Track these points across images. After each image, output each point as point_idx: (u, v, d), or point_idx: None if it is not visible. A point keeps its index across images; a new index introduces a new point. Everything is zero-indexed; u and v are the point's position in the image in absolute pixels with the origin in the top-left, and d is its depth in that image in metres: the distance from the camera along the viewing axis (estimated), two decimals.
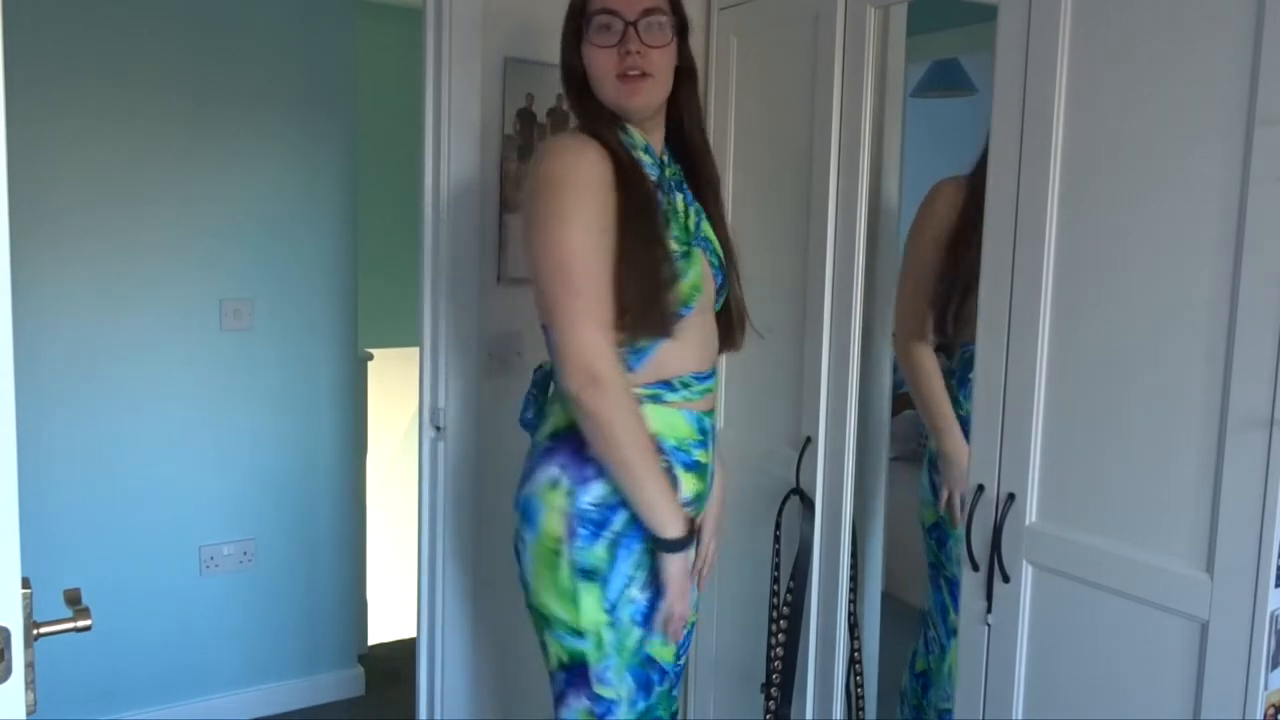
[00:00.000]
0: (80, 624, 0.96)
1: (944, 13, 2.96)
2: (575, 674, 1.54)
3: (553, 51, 1.68)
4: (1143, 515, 1.45)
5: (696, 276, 1.52)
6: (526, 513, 1.55)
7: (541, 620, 1.56)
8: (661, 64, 1.54)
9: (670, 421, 1.54)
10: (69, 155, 2.54)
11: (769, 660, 2.09)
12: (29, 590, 0.88)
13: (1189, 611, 1.39)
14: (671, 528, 1.48)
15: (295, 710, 2.95)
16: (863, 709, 2.18)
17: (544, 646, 1.59)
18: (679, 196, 1.58)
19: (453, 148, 2.12)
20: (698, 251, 1.54)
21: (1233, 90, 1.31)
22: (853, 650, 2.14)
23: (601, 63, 1.51)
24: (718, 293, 1.62)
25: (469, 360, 2.19)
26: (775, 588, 2.12)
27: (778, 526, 2.11)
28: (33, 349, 2.52)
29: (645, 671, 1.54)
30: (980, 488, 1.66)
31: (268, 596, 2.89)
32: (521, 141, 2.21)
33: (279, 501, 2.88)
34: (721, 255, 1.63)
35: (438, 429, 2.20)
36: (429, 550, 2.24)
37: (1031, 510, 1.60)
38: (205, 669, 2.82)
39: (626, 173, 1.48)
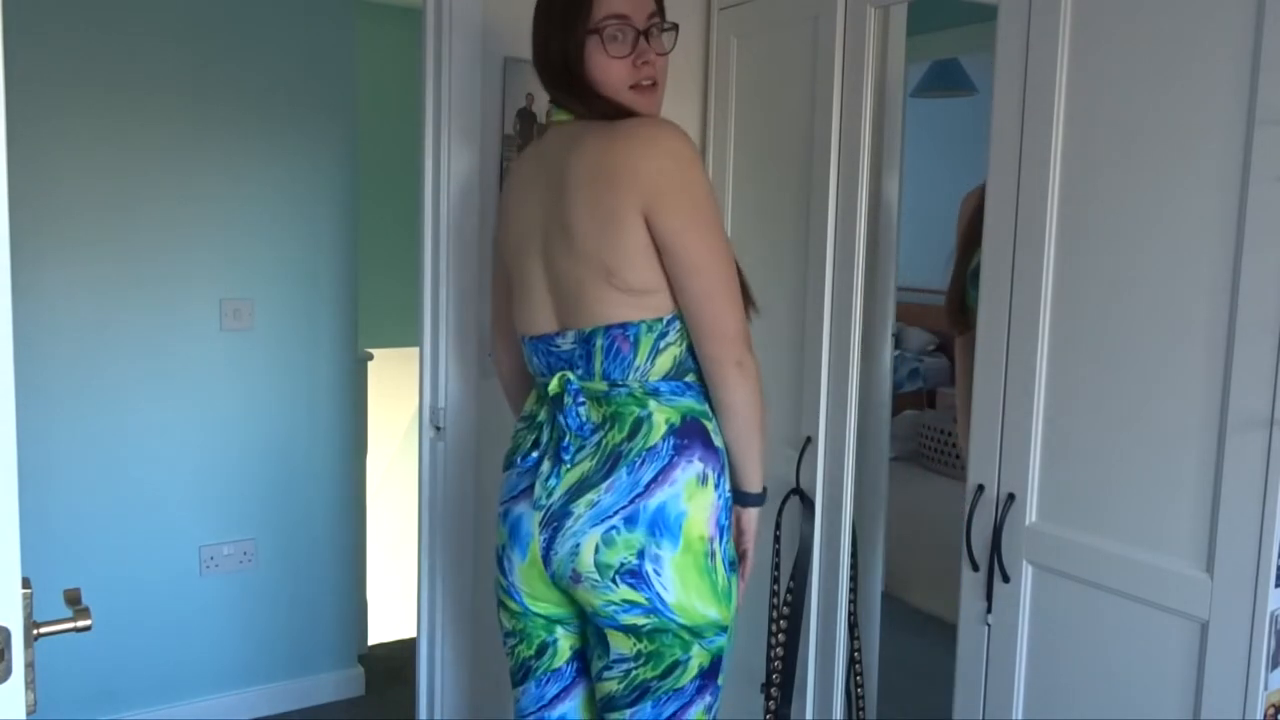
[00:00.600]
0: (80, 624, 0.96)
1: (944, 13, 2.96)
2: (709, 673, 1.48)
3: None
4: (1143, 515, 1.45)
5: None
6: (662, 525, 1.41)
7: (688, 636, 1.44)
8: (665, 69, 1.53)
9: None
10: (69, 156, 2.54)
11: (769, 660, 2.09)
12: (29, 590, 0.88)
13: (1189, 611, 1.39)
14: (761, 483, 1.55)
15: (295, 710, 2.95)
16: (863, 709, 2.18)
17: (670, 668, 1.44)
18: None
19: (453, 148, 2.12)
20: None
21: (1233, 90, 1.31)
22: (853, 650, 2.14)
23: (617, 74, 1.47)
24: None
25: (469, 360, 2.19)
26: (775, 588, 2.12)
27: (778, 526, 2.11)
28: (33, 349, 2.52)
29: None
30: (980, 488, 1.66)
31: (268, 596, 2.89)
32: (521, 141, 2.21)
33: (279, 501, 2.88)
34: None
35: (438, 429, 2.20)
36: (429, 550, 2.24)
37: (1031, 510, 1.60)
38: (205, 669, 2.82)
39: None
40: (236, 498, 2.82)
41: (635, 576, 1.41)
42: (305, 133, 2.82)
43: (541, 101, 2.22)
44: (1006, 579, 1.62)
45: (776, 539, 2.11)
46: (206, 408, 2.75)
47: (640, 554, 1.41)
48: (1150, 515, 1.44)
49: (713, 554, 1.44)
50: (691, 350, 1.47)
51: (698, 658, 1.45)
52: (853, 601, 2.08)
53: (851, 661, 2.13)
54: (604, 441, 1.45)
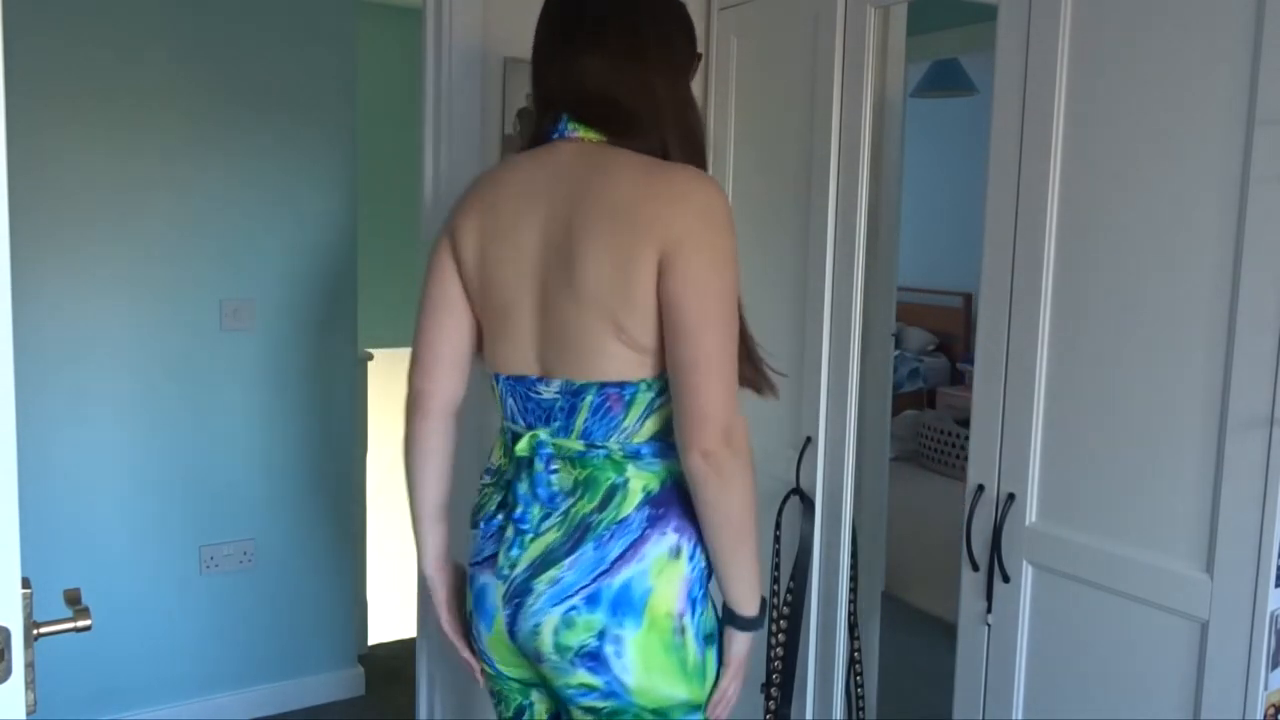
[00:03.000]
0: (80, 624, 0.96)
1: (944, 13, 2.96)
2: None
3: None
4: (1143, 515, 1.45)
5: None
6: (625, 605, 1.30)
7: (650, 717, 1.33)
8: None
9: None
10: (69, 156, 2.54)
11: (769, 660, 2.09)
12: (29, 590, 0.88)
13: (1189, 611, 1.39)
14: (756, 604, 1.40)
15: (295, 710, 2.95)
16: (863, 709, 2.18)
17: None
18: None
19: (453, 148, 2.12)
20: None
21: (1233, 90, 1.31)
22: (853, 650, 2.14)
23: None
24: None
25: None
26: (775, 588, 2.12)
27: (778, 527, 2.11)
28: (33, 349, 2.52)
29: None
30: (980, 488, 1.66)
31: (268, 596, 2.89)
32: (522, 142, 2.21)
33: (279, 501, 2.88)
34: None
35: None
36: None
37: (1031, 510, 1.60)
38: (205, 669, 2.82)
39: None
40: (236, 498, 2.82)
41: (594, 659, 1.31)
42: (305, 132, 2.82)
43: None
44: (1006, 579, 1.62)
45: (776, 539, 2.11)
46: (206, 408, 2.75)
47: (600, 635, 1.30)
48: (1150, 515, 1.44)
49: (681, 630, 1.32)
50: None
51: None
52: (853, 601, 2.08)
53: (851, 661, 2.14)
54: (572, 511, 1.33)
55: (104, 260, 2.60)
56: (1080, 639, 1.54)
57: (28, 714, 0.88)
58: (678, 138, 1.36)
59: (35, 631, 0.91)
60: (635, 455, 1.33)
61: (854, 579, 2.08)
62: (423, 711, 2.33)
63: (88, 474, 2.62)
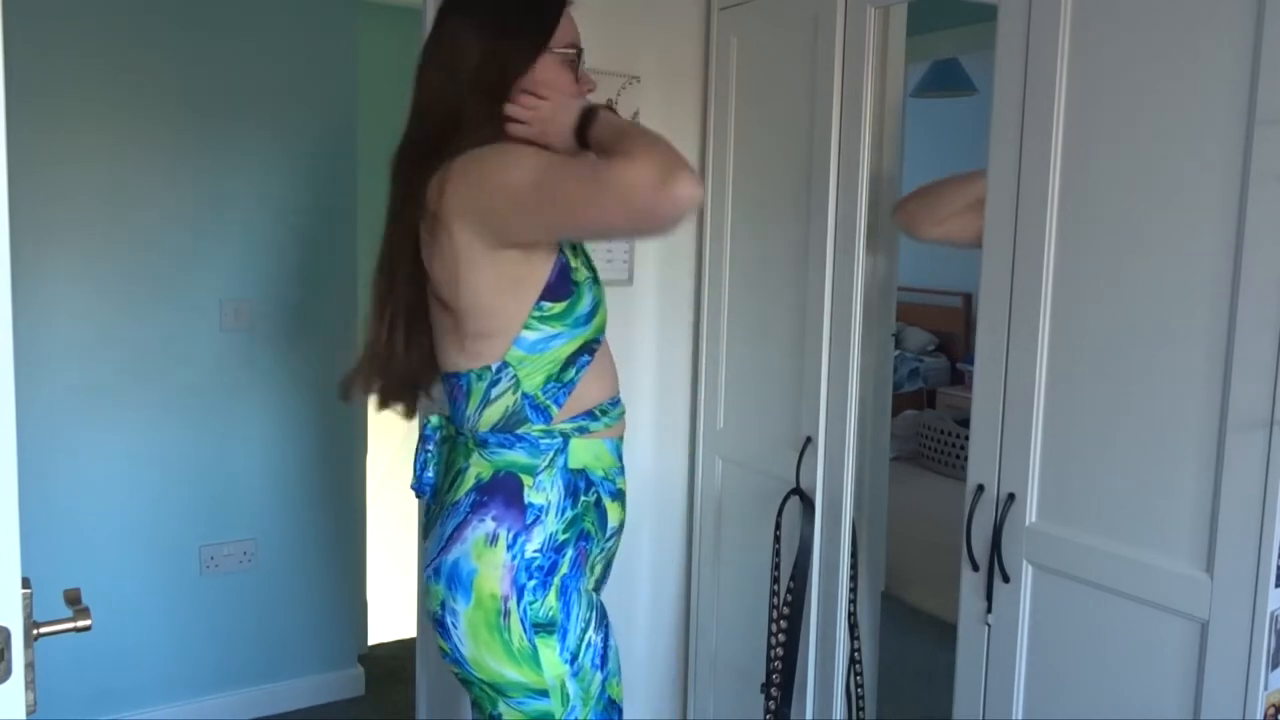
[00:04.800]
0: (80, 624, 0.96)
1: (944, 13, 2.96)
2: None
3: None
4: (1143, 515, 1.45)
5: (605, 300, 1.52)
6: (456, 579, 1.41)
7: (491, 692, 1.43)
8: None
9: (596, 453, 1.49)
10: (69, 156, 2.54)
11: (769, 660, 2.09)
12: (29, 590, 0.88)
13: (1189, 611, 1.39)
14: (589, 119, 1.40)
15: (295, 710, 2.95)
16: (863, 709, 2.18)
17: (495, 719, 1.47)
18: None
19: None
20: (597, 277, 1.53)
21: (1233, 90, 1.31)
22: (853, 650, 2.14)
23: (570, 90, 1.46)
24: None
25: None
26: (775, 588, 2.12)
27: (778, 527, 2.11)
28: (33, 349, 2.52)
29: (608, 715, 1.48)
30: (980, 488, 1.66)
31: (268, 596, 2.89)
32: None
33: (279, 501, 2.88)
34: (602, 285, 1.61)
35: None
36: None
37: (1031, 510, 1.60)
38: (205, 669, 2.82)
39: None
40: (236, 498, 2.82)
41: (441, 627, 1.44)
42: (305, 132, 2.82)
43: None
44: (1006, 579, 1.62)
45: (776, 539, 2.11)
46: (206, 408, 2.75)
47: (442, 605, 1.43)
48: (1150, 515, 1.44)
49: (506, 613, 1.39)
50: (530, 401, 1.43)
51: (510, 717, 1.44)
52: (853, 601, 2.08)
53: (851, 661, 2.13)
54: (440, 488, 1.53)
55: (104, 260, 2.60)
56: (1080, 639, 1.54)
57: (28, 714, 0.88)
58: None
59: (35, 631, 0.91)
60: (482, 444, 1.45)
61: (854, 579, 2.08)
62: (423, 711, 2.33)
63: (88, 474, 2.62)
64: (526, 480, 1.43)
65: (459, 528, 1.43)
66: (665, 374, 2.44)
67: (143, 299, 2.65)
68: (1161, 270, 1.41)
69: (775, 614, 2.10)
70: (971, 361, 1.86)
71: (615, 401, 1.55)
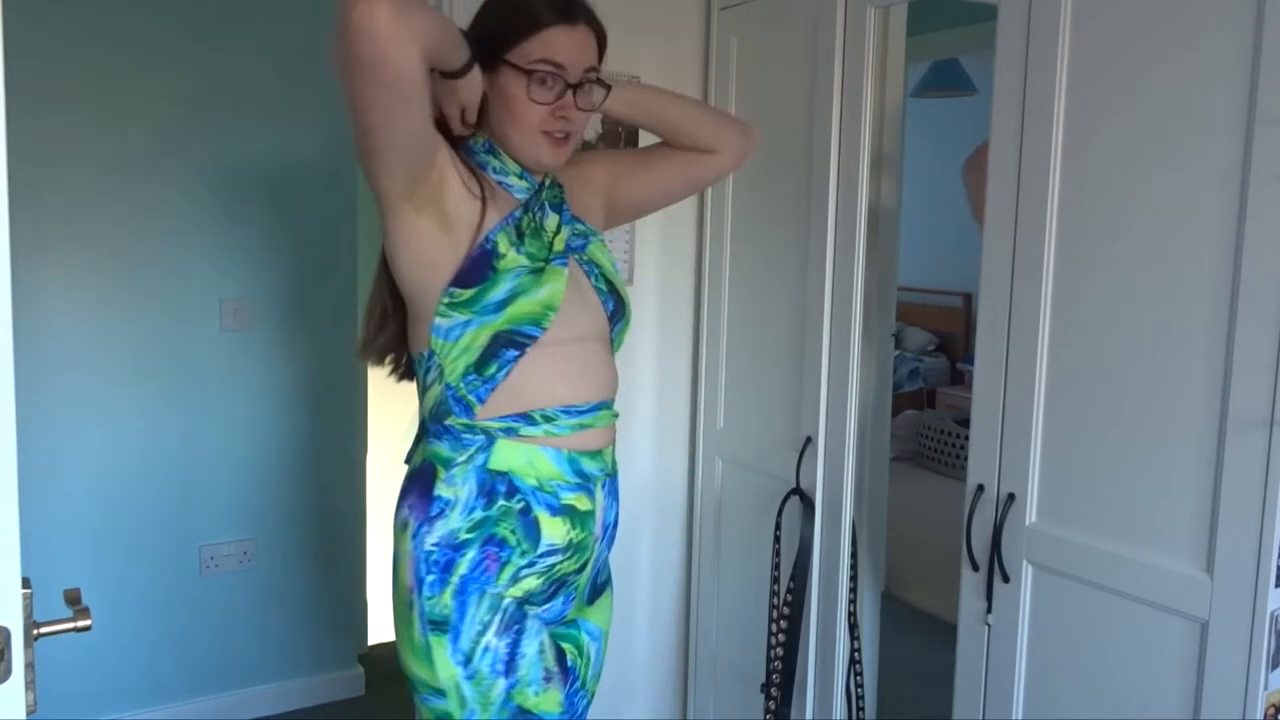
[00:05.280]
0: (80, 624, 0.96)
1: (944, 13, 2.96)
2: None
3: None
4: (1143, 515, 1.45)
5: (550, 295, 1.37)
6: (393, 562, 1.43)
7: (409, 682, 1.42)
8: (583, 123, 1.44)
9: (530, 459, 1.39)
10: (68, 156, 2.54)
11: (769, 660, 2.10)
12: (29, 590, 0.88)
13: (1189, 611, 1.39)
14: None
15: (295, 710, 2.95)
16: (863, 709, 2.18)
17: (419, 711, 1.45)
18: (551, 216, 1.46)
19: None
20: (556, 270, 1.39)
21: (1233, 90, 1.31)
22: (853, 650, 2.14)
23: (533, 117, 1.37)
24: (612, 322, 1.51)
25: None
26: (775, 588, 2.12)
27: (778, 527, 2.11)
28: (34, 350, 2.52)
29: None
30: (980, 488, 1.66)
31: (268, 596, 2.89)
32: None
33: (279, 501, 2.88)
34: (615, 284, 1.52)
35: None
36: None
37: (1031, 510, 1.60)
38: (205, 669, 2.82)
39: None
40: (236, 498, 2.82)
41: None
42: (305, 132, 2.82)
43: None
44: (1006, 579, 1.62)
45: (776, 539, 2.11)
46: (207, 408, 2.75)
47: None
48: (1150, 515, 1.44)
49: (410, 604, 1.38)
50: (452, 393, 1.39)
51: (423, 712, 1.43)
52: (852, 601, 2.08)
53: (851, 661, 2.14)
54: None
55: (103, 260, 2.60)
56: (1080, 639, 1.54)
57: (28, 714, 0.88)
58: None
59: (35, 631, 0.91)
60: (425, 432, 1.46)
61: (854, 579, 2.08)
62: None
63: (88, 474, 2.62)
64: (440, 473, 1.39)
65: (396, 511, 1.44)
66: (665, 374, 2.44)
67: (143, 299, 2.65)
68: (1161, 270, 1.41)
69: (775, 614, 2.10)
70: (971, 361, 1.86)
71: (575, 410, 1.42)
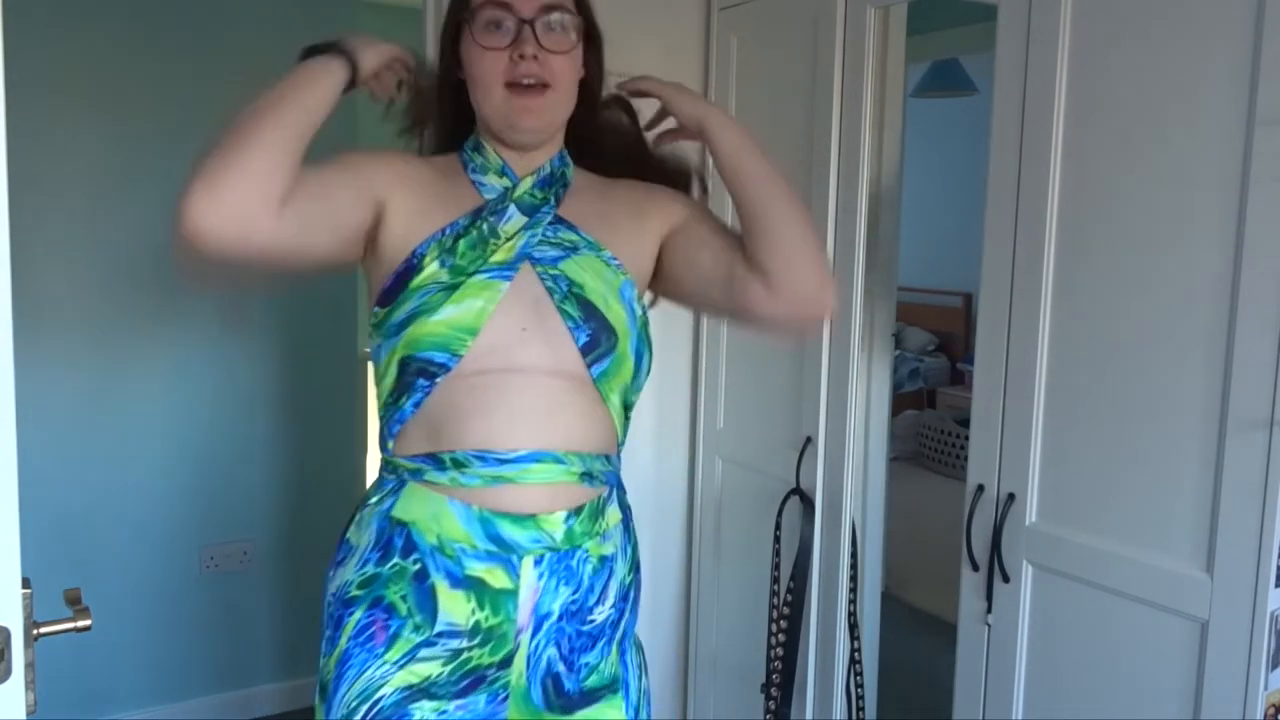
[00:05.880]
0: (80, 624, 0.96)
1: (944, 13, 2.96)
2: None
3: None
4: (1143, 515, 1.45)
5: (460, 315, 1.14)
6: None
7: None
8: (564, 74, 1.21)
9: (435, 513, 1.15)
10: (69, 157, 2.54)
11: (769, 660, 2.09)
12: (29, 590, 0.88)
13: (1189, 611, 1.39)
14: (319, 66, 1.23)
15: (295, 710, 2.95)
16: (863, 709, 2.18)
17: None
18: (514, 219, 1.22)
19: None
20: (481, 284, 1.16)
21: (1233, 90, 1.31)
22: (853, 650, 2.14)
23: (488, 67, 1.18)
24: (587, 357, 1.18)
25: None
26: (775, 588, 2.12)
27: (778, 527, 2.11)
28: (33, 350, 2.52)
29: None
30: (980, 488, 1.66)
31: (267, 597, 2.89)
32: None
33: (279, 502, 2.88)
34: (599, 308, 1.19)
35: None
36: None
37: (1031, 510, 1.60)
38: (205, 669, 2.82)
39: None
40: (236, 498, 2.82)
41: None
42: None
43: None
44: (1006, 579, 1.62)
45: (776, 539, 2.11)
46: (206, 408, 2.75)
47: None
48: (1150, 515, 1.44)
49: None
50: (381, 423, 1.23)
51: None
52: (852, 601, 2.08)
53: (851, 661, 2.13)
54: None
55: (104, 260, 2.60)
56: (1080, 639, 1.54)
57: (28, 714, 0.88)
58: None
59: (35, 631, 0.91)
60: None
61: (854, 579, 2.08)
62: None
63: (88, 474, 2.62)
64: (356, 512, 1.25)
65: None
66: (665, 374, 2.44)
67: (142, 300, 2.65)
68: (1162, 270, 1.41)
69: (775, 614, 2.10)
70: (971, 361, 1.86)
71: (493, 458, 1.14)
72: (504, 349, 1.15)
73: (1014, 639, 1.62)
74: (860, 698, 2.18)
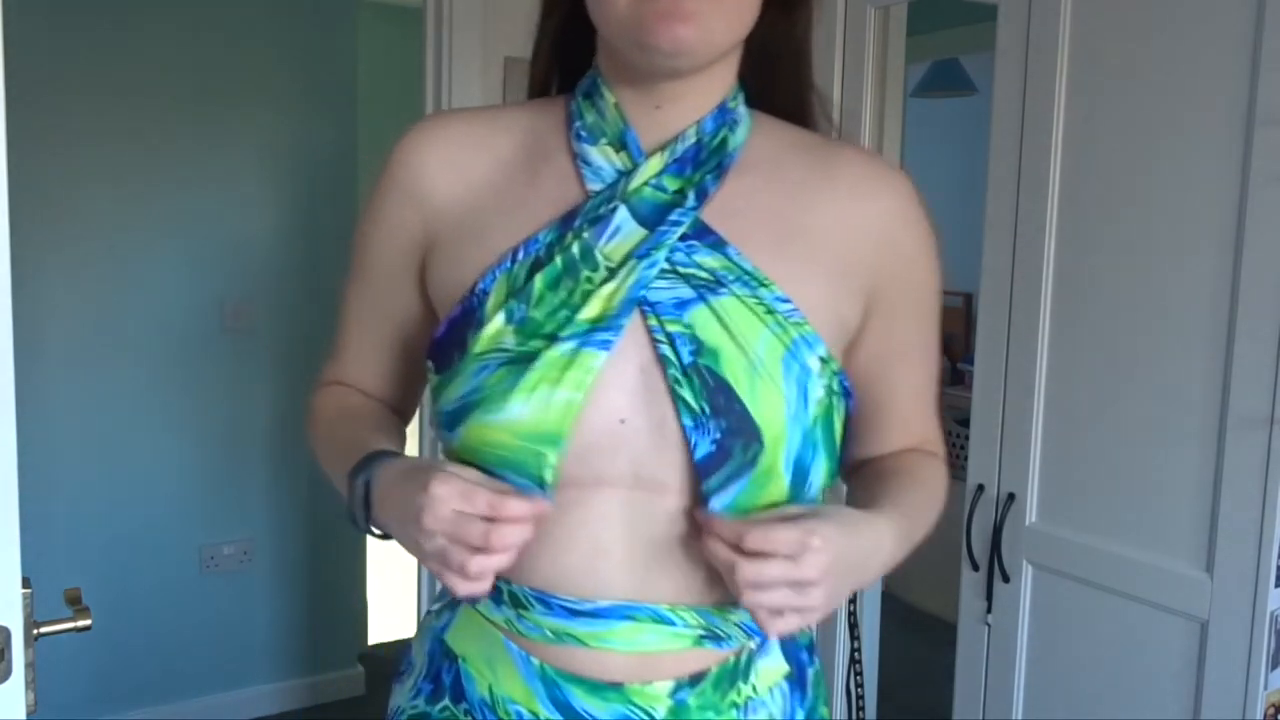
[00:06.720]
0: (80, 624, 0.96)
1: (944, 13, 2.96)
2: None
3: None
4: (1143, 515, 1.45)
5: (542, 419, 0.73)
6: None
7: None
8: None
9: (485, 649, 0.81)
10: (70, 157, 2.54)
11: None
12: (29, 590, 0.88)
13: (1189, 611, 1.39)
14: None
15: (295, 710, 2.95)
16: (863, 709, 2.18)
17: None
18: (611, 240, 0.76)
19: None
20: (565, 358, 0.73)
21: (1233, 90, 1.31)
22: (853, 650, 2.13)
23: None
24: (706, 470, 0.73)
25: None
26: None
27: None
28: (34, 350, 2.52)
29: None
30: (980, 487, 1.66)
31: (268, 596, 2.89)
32: None
33: (279, 501, 2.88)
34: (739, 393, 0.73)
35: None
36: None
37: (1031, 510, 1.60)
38: (205, 669, 2.82)
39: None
40: (236, 498, 2.82)
41: None
42: (305, 132, 2.82)
43: None
44: (1006, 579, 1.62)
45: None
46: (207, 408, 2.75)
47: None
48: (1150, 515, 1.44)
49: None
50: None
51: None
52: (852, 601, 2.08)
53: (851, 661, 2.13)
54: None
55: (105, 261, 2.60)
56: (1080, 639, 1.54)
57: (28, 714, 0.88)
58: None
59: (35, 631, 0.91)
60: None
61: None
62: None
63: (88, 474, 2.62)
64: (423, 619, 0.94)
65: None
66: None
67: (144, 299, 2.65)
68: (1161, 270, 1.41)
69: None
70: (971, 361, 1.86)
71: (561, 606, 0.76)
72: (595, 453, 0.75)
73: (1014, 639, 1.62)
74: (860, 697, 2.17)
